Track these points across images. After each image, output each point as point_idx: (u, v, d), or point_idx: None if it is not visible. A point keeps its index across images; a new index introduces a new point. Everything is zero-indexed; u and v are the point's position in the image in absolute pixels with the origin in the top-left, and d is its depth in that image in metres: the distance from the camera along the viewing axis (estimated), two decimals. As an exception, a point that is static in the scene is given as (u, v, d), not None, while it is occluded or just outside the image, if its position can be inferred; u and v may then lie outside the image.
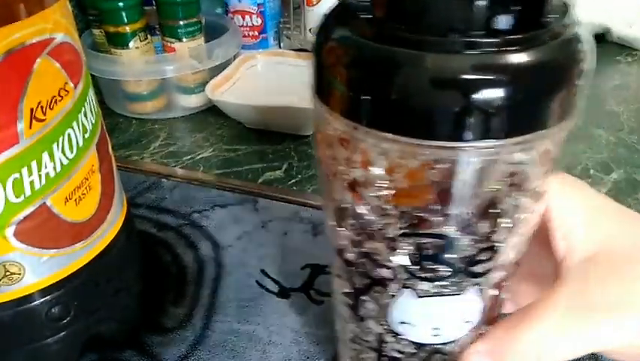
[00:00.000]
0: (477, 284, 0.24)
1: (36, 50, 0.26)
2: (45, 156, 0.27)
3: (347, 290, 0.27)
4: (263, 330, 0.40)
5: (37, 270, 0.30)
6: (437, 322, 0.25)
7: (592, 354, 0.24)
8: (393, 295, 0.24)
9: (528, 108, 0.18)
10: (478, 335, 0.25)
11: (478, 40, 0.17)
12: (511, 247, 0.23)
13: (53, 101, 0.27)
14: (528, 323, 0.24)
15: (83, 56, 0.30)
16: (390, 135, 0.19)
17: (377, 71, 0.18)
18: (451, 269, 0.22)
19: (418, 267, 0.23)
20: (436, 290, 0.23)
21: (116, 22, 0.65)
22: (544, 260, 0.26)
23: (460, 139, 0.18)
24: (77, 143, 0.29)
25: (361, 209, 0.22)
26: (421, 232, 0.21)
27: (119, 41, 0.67)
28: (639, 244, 0.24)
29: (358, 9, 0.20)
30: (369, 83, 0.19)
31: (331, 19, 0.21)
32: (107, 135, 0.34)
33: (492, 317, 0.26)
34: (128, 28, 0.66)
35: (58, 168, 0.28)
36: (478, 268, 0.23)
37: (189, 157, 0.62)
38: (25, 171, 0.26)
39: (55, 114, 0.27)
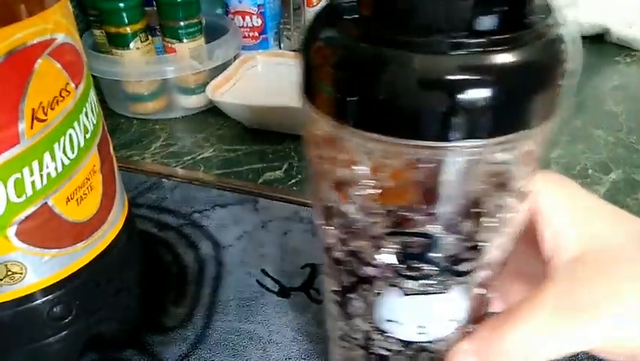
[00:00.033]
0: (462, 283, 0.24)
1: (37, 51, 0.26)
2: (46, 156, 0.27)
3: (335, 288, 0.27)
4: (263, 329, 0.40)
5: (39, 270, 0.30)
6: (423, 320, 0.25)
7: (586, 354, 0.24)
8: (379, 293, 0.24)
9: (511, 108, 0.18)
10: (464, 334, 0.26)
11: (461, 41, 0.17)
12: (496, 247, 0.23)
13: (54, 101, 0.27)
14: (514, 323, 0.24)
15: (84, 57, 0.31)
16: (374, 135, 0.19)
17: (361, 71, 0.18)
18: (436, 268, 0.23)
19: (403, 265, 0.23)
20: (421, 288, 0.23)
21: (116, 23, 0.65)
22: (533, 260, 0.26)
23: (444, 139, 0.18)
24: (79, 143, 0.29)
25: (347, 208, 0.22)
26: (405, 230, 0.22)
27: (120, 42, 0.67)
28: (628, 245, 0.24)
29: (345, 10, 0.20)
30: (354, 83, 0.19)
31: (319, 19, 0.21)
32: (108, 136, 0.34)
33: (478, 316, 0.26)
34: (128, 29, 0.66)
35: (60, 168, 0.28)
36: (463, 267, 0.23)
37: (190, 157, 0.63)
38: (26, 171, 0.27)
39: (56, 114, 0.27)
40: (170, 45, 0.70)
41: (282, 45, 0.85)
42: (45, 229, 0.29)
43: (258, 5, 0.80)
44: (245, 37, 0.81)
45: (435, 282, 0.23)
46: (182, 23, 0.68)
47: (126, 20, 0.65)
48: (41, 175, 0.27)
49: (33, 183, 0.27)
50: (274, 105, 0.61)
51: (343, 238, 0.24)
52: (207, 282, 0.44)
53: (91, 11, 0.74)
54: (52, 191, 0.28)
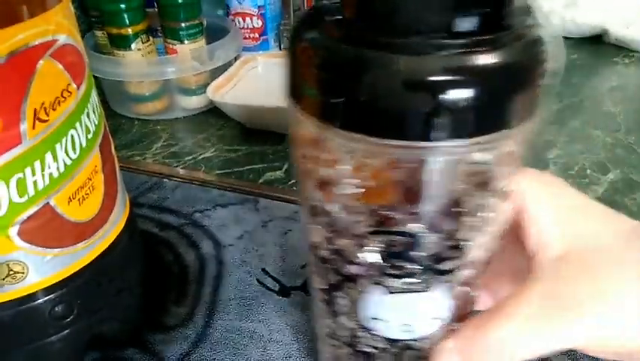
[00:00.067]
0: (445, 282, 0.24)
1: (39, 52, 0.26)
2: (48, 157, 0.27)
3: (321, 286, 0.27)
4: (264, 328, 0.40)
5: (41, 269, 0.30)
6: (407, 318, 0.25)
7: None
8: (363, 292, 0.25)
9: (491, 109, 0.18)
10: (449, 332, 0.26)
11: (440, 42, 0.18)
12: (478, 246, 0.23)
13: (56, 102, 0.27)
14: (498, 321, 0.24)
15: (86, 58, 0.31)
16: (356, 135, 0.19)
17: (342, 73, 0.19)
18: (418, 266, 0.23)
19: (386, 264, 0.23)
20: (405, 287, 0.24)
21: (118, 24, 0.66)
22: (521, 258, 0.26)
23: (425, 139, 0.18)
24: (80, 143, 0.29)
25: (331, 207, 0.23)
26: (387, 229, 0.22)
27: (122, 43, 0.67)
28: (613, 244, 0.24)
29: (329, 11, 0.20)
30: (335, 84, 0.19)
31: (303, 21, 0.21)
32: (110, 136, 0.34)
33: (463, 314, 0.26)
34: (130, 30, 0.66)
35: (62, 169, 0.28)
36: (445, 266, 0.23)
37: (191, 157, 0.63)
38: (28, 171, 0.27)
39: (58, 115, 0.27)
40: (171, 46, 0.70)
41: (282, 46, 0.85)
42: (47, 229, 0.29)
43: (259, 7, 0.80)
44: (245, 38, 0.81)
45: (418, 280, 0.23)
46: (183, 25, 0.68)
47: (127, 21, 0.66)
48: (43, 175, 0.27)
49: (35, 183, 0.27)
50: (274, 106, 0.61)
51: (328, 236, 0.24)
52: (208, 281, 0.44)
53: (92, 12, 0.74)
54: (54, 191, 0.28)
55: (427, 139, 0.18)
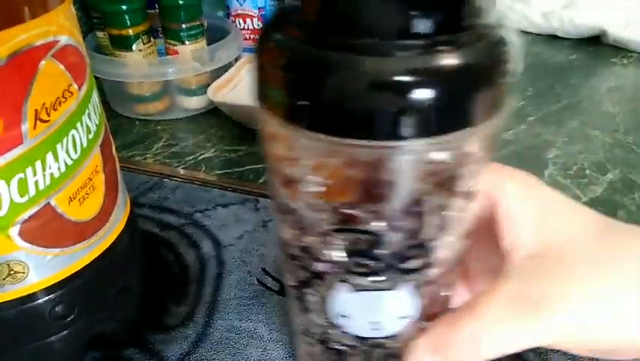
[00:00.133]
0: (411, 280, 0.24)
1: (40, 52, 0.26)
2: (49, 157, 0.27)
3: (292, 283, 0.27)
4: (264, 328, 0.40)
5: (41, 269, 0.30)
6: (374, 316, 0.25)
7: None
8: (331, 289, 0.25)
9: (451, 108, 0.18)
10: (420, 331, 0.26)
11: (399, 43, 0.18)
12: (444, 245, 0.23)
13: (57, 102, 0.27)
14: (469, 319, 0.24)
15: (87, 58, 0.31)
16: (317, 135, 0.19)
17: (303, 74, 0.19)
18: (382, 265, 0.23)
19: (350, 262, 0.23)
20: (370, 285, 0.24)
21: (119, 25, 0.66)
22: (497, 256, 0.26)
23: (386, 138, 0.18)
24: (81, 143, 0.29)
25: (295, 205, 0.23)
26: (350, 227, 0.22)
27: (123, 44, 0.67)
28: (585, 243, 0.24)
29: (294, 13, 0.20)
30: (296, 85, 0.19)
31: (271, 22, 0.21)
32: (111, 136, 0.35)
33: (433, 313, 0.26)
34: (131, 31, 0.66)
35: (63, 169, 0.28)
36: (410, 265, 0.23)
37: (191, 158, 0.63)
38: (29, 171, 0.27)
39: (59, 115, 0.28)
40: (172, 47, 0.70)
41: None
42: (48, 229, 0.29)
43: (259, 8, 0.80)
44: (246, 39, 0.81)
45: (383, 278, 0.23)
46: (184, 26, 0.68)
47: (129, 23, 0.66)
48: (44, 175, 0.27)
49: (36, 183, 0.27)
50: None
51: (295, 233, 0.24)
52: (208, 281, 0.44)
53: (94, 14, 0.74)
54: (54, 191, 0.28)
55: (388, 138, 0.18)
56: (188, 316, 0.41)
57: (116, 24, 0.66)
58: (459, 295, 0.29)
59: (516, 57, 0.20)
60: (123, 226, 0.36)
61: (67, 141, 0.28)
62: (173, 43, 0.70)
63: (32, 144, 0.26)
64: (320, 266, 0.24)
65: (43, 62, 0.26)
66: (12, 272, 0.29)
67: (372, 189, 0.20)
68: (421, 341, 0.25)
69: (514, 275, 0.24)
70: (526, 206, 0.25)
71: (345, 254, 0.23)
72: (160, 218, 0.52)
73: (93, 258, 0.33)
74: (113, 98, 0.73)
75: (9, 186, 0.26)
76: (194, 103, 0.72)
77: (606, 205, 0.52)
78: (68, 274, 0.31)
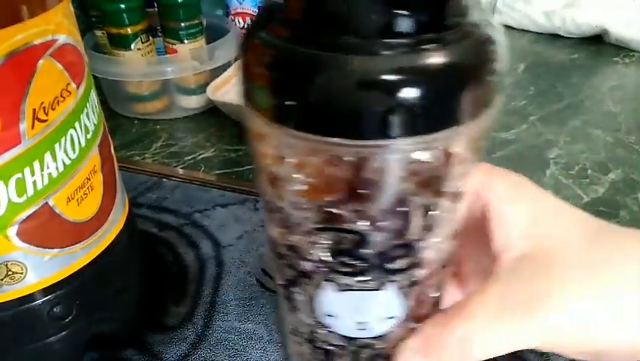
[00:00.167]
0: (396, 281, 0.24)
1: (39, 51, 0.26)
2: (47, 157, 0.27)
3: (280, 282, 0.27)
4: (263, 329, 0.40)
5: (39, 269, 0.30)
6: (360, 316, 0.25)
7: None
8: (318, 288, 0.25)
9: (435, 107, 0.18)
10: (409, 331, 0.26)
11: (380, 41, 0.18)
12: (431, 246, 0.23)
13: (55, 101, 0.27)
14: (457, 320, 0.24)
15: (85, 57, 0.31)
16: (301, 133, 0.19)
17: (286, 72, 0.19)
18: (367, 264, 0.23)
19: (335, 261, 0.23)
20: (356, 285, 0.24)
21: (118, 24, 0.66)
22: (489, 258, 0.26)
23: (369, 137, 0.18)
24: (79, 143, 0.29)
25: (281, 203, 0.23)
26: (334, 226, 0.22)
27: (121, 43, 0.67)
28: (576, 245, 0.24)
29: (278, 11, 0.20)
30: (279, 83, 0.19)
31: (256, 20, 0.21)
32: (109, 136, 0.34)
33: (423, 314, 0.26)
34: (129, 30, 0.66)
35: (61, 168, 0.28)
36: (395, 265, 0.23)
37: (190, 157, 0.63)
38: (27, 171, 0.27)
39: (57, 115, 0.27)
40: (171, 46, 0.70)
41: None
42: (46, 229, 0.29)
43: (259, 7, 0.80)
44: (245, 37, 0.81)
45: (369, 278, 0.23)
46: (182, 24, 0.68)
47: (127, 21, 0.65)
48: (42, 175, 0.27)
49: (34, 183, 0.27)
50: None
51: (282, 232, 0.24)
52: (208, 281, 0.44)
53: (92, 12, 0.74)
54: (53, 191, 0.28)
55: (374, 137, 0.18)
56: (187, 316, 0.41)
57: (114, 23, 0.66)
58: (452, 297, 0.29)
59: (502, 56, 0.20)
60: (122, 226, 0.36)
61: (65, 140, 0.28)
62: (172, 42, 0.70)
63: (30, 144, 0.26)
64: (306, 265, 0.24)
65: (41, 61, 0.26)
66: (10, 273, 0.29)
67: (357, 188, 0.20)
68: (410, 342, 0.25)
69: (504, 276, 0.24)
70: (517, 207, 0.25)
71: (329, 253, 0.23)
72: (159, 218, 0.52)
73: (92, 258, 0.32)
74: (111, 98, 0.73)
75: (7, 186, 0.26)
76: (193, 102, 0.72)
77: (608, 205, 0.52)
78: (67, 275, 0.31)
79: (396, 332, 0.26)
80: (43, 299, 0.31)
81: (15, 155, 0.26)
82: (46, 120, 0.27)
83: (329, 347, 0.28)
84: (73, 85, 0.29)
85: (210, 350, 0.38)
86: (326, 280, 0.24)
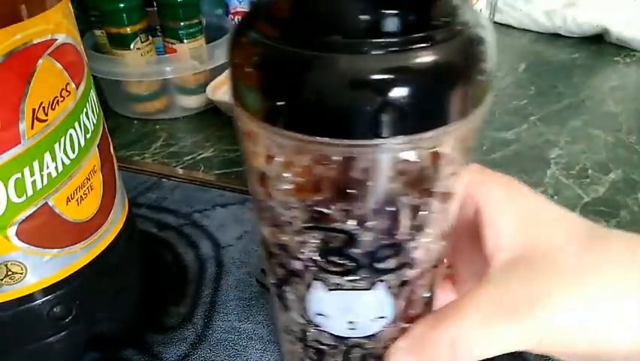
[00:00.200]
0: (386, 280, 0.24)
1: (38, 51, 0.26)
2: (47, 157, 0.27)
3: (272, 281, 0.27)
4: (263, 329, 0.40)
5: (39, 269, 0.30)
6: (350, 315, 0.25)
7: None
8: (308, 287, 0.25)
9: (425, 106, 0.18)
10: (400, 331, 0.26)
11: (369, 40, 0.18)
12: (421, 246, 0.23)
13: (55, 101, 0.27)
14: (449, 320, 0.24)
15: (85, 57, 0.31)
16: (288, 133, 0.19)
17: (274, 71, 0.19)
18: (355, 264, 0.23)
19: (324, 260, 0.23)
20: (346, 284, 0.24)
21: (117, 24, 0.66)
22: (481, 260, 0.26)
23: (358, 136, 0.18)
24: (79, 143, 0.29)
25: (270, 202, 0.23)
26: (322, 226, 0.22)
27: (121, 42, 0.67)
28: (567, 248, 0.24)
29: (264, 10, 0.20)
30: (267, 83, 0.19)
31: (244, 19, 0.21)
32: (109, 136, 0.34)
33: (414, 315, 0.26)
34: (129, 30, 0.66)
35: (60, 168, 0.28)
36: (385, 265, 0.23)
37: (190, 157, 0.63)
38: (27, 171, 0.27)
39: (56, 115, 0.27)
40: (170, 45, 0.70)
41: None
42: (45, 229, 0.29)
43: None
44: (245, 37, 0.81)
45: (359, 278, 0.23)
46: (182, 24, 0.68)
47: (127, 21, 0.65)
48: (42, 175, 0.27)
49: (34, 183, 0.27)
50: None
51: (273, 230, 0.24)
52: (207, 282, 0.44)
53: (92, 12, 0.74)
54: (52, 191, 0.28)
55: (363, 137, 0.18)
56: (187, 317, 0.41)
57: (114, 22, 0.66)
58: (447, 299, 0.29)
59: (492, 55, 0.20)
60: (121, 226, 0.36)
61: (64, 140, 0.28)
62: (172, 42, 0.70)
63: (30, 144, 0.26)
64: (296, 264, 0.24)
65: (40, 61, 0.26)
66: (10, 273, 0.29)
67: (346, 188, 0.20)
68: (401, 342, 0.25)
69: (497, 277, 0.24)
70: (510, 209, 0.25)
71: (319, 253, 0.23)
72: (158, 218, 0.52)
73: (91, 258, 0.32)
74: (111, 97, 0.73)
75: (6, 186, 0.26)
76: (193, 102, 0.72)
77: (608, 205, 0.52)
78: (67, 275, 0.31)
79: (387, 331, 0.26)
80: (43, 299, 0.31)
81: (14, 155, 0.26)
82: (45, 120, 0.27)
83: (320, 346, 0.28)
84: (73, 85, 0.28)
85: (210, 350, 0.38)
86: (316, 280, 0.24)
